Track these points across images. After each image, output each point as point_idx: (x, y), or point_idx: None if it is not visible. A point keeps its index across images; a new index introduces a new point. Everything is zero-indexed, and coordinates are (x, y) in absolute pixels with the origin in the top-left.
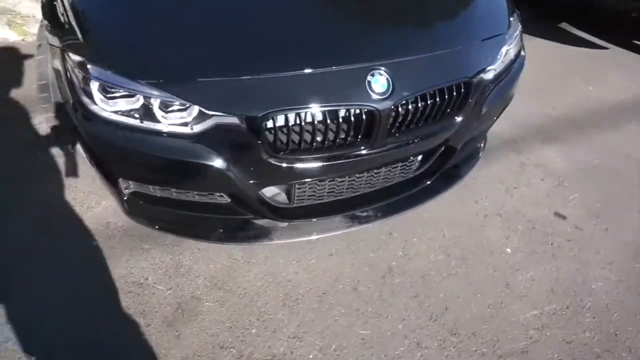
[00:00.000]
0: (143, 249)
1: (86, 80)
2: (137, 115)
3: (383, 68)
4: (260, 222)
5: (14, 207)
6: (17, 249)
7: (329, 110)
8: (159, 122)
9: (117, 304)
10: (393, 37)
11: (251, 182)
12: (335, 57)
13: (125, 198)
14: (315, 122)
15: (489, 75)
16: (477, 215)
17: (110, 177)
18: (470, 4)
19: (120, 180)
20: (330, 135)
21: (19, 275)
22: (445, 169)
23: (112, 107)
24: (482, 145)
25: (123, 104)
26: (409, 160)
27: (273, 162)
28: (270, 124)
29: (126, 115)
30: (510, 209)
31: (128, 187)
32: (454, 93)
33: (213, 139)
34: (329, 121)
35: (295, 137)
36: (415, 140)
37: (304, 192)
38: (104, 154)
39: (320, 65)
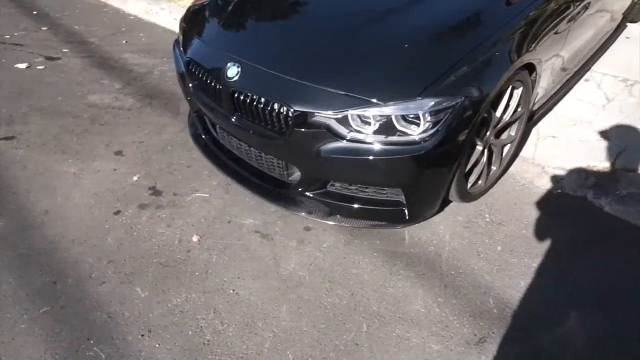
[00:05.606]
0: None
1: None
2: None
3: (237, 64)
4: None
5: None
6: None
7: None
8: None
9: None
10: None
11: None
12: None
13: None
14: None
15: (322, 119)
16: None
17: None
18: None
19: None
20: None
21: None
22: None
23: None
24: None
25: None
26: (263, 156)
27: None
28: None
29: None
30: None
31: None
32: (275, 112)
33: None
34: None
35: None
36: (251, 132)
37: (218, 133)
38: None
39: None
